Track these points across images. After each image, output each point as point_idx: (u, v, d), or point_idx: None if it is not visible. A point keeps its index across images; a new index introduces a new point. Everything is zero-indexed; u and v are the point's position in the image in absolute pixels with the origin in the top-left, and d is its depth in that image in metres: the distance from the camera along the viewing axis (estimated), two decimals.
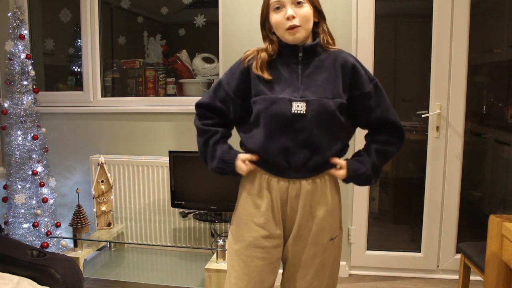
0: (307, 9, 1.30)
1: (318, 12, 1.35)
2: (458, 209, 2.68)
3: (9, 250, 1.80)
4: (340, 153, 1.42)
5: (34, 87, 2.75)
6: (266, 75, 1.33)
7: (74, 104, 3.07)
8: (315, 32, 1.37)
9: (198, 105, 1.47)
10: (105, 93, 3.15)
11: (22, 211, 2.68)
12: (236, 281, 1.40)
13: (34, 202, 2.71)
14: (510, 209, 2.92)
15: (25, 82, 2.69)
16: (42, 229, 2.72)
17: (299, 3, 1.29)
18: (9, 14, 2.70)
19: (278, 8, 1.30)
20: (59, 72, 3.41)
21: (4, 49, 2.71)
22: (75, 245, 2.40)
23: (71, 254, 2.33)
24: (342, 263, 2.78)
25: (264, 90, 1.34)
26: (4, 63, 2.78)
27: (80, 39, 3.07)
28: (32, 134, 2.70)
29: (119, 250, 2.82)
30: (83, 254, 2.38)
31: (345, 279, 2.75)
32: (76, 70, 3.33)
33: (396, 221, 3.18)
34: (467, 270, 2.14)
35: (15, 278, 1.69)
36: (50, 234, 2.73)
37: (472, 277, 2.18)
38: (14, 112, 2.68)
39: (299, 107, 1.29)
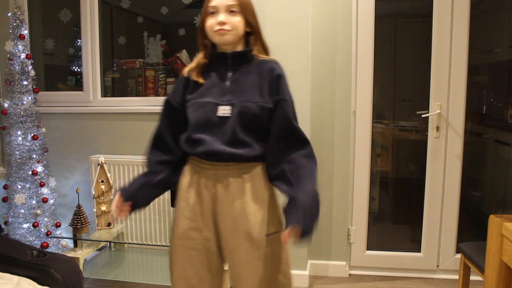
0: (237, 19, 1.38)
1: (250, 25, 1.43)
2: (458, 209, 2.68)
3: (9, 250, 1.79)
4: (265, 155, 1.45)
5: (34, 87, 2.75)
6: (201, 80, 1.44)
7: (74, 104, 3.07)
8: (248, 41, 1.46)
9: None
10: (105, 93, 3.14)
11: (22, 211, 2.68)
12: (173, 270, 1.50)
13: (34, 202, 2.70)
14: (510, 209, 2.92)
15: (25, 82, 2.69)
16: (42, 229, 2.72)
17: (232, 11, 1.37)
18: (9, 14, 2.70)
19: (213, 13, 1.39)
20: (59, 72, 3.41)
21: (4, 49, 2.71)
22: (75, 245, 2.40)
23: (71, 254, 2.33)
24: (342, 263, 2.78)
25: (195, 95, 1.43)
26: (4, 63, 2.78)
27: (80, 39, 3.07)
28: (32, 134, 2.70)
29: (119, 250, 2.82)
30: (83, 254, 2.38)
31: (345, 279, 2.75)
32: (76, 70, 3.33)
33: (396, 221, 3.18)
34: (467, 270, 2.14)
35: (15, 278, 1.69)
36: (50, 234, 2.73)
37: (472, 277, 2.18)
38: (14, 112, 2.68)
39: (224, 110, 1.38)
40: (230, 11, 1.37)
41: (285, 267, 1.48)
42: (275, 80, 1.42)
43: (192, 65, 1.48)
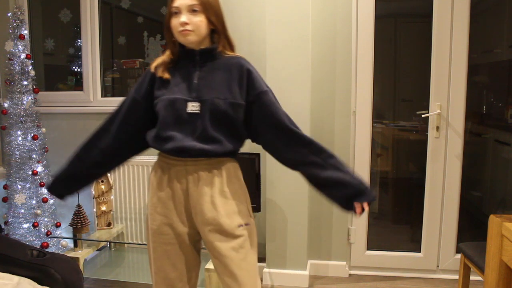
0: (199, 19, 1.40)
1: (213, 23, 1.43)
2: (458, 209, 2.68)
3: (9, 250, 1.79)
4: (236, 149, 1.49)
5: (34, 87, 2.75)
6: (166, 76, 1.45)
7: (74, 104, 3.07)
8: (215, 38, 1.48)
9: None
10: (105, 93, 3.15)
11: (22, 211, 2.68)
12: (151, 266, 1.53)
13: (34, 202, 2.71)
14: (510, 209, 2.92)
15: (25, 82, 2.69)
16: (42, 229, 2.72)
17: (194, 10, 1.39)
18: (9, 14, 2.70)
19: (176, 13, 1.41)
20: (59, 72, 3.41)
21: (4, 49, 2.71)
22: (75, 245, 2.41)
23: (71, 254, 2.34)
24: (342, 263, 2.78)
25: (164, 91, 1.45)
26: (4, 63, 2.78)
27: (80, 39, 3.07)
28: (32, 134, 2.70)
29: (119, 250, 2.82)
30: (83, 254, 2.38)
31: (345, 279, 2.75)
32: (76, 70, 3.33)
33: (396, 221, 3.18)
34: (467, 270, 2.14)
35: (15, 278, 1.69)
36: (50, 234, 2.73)
37: (472, 277, 2.18)
38: (14, 112, 2.68)
39: (194, 107, 1.40)
40: (192, 10, 1.39)
41: (254, 260, 1.51)
42: (245, 76, 1.44)
43: (159, 60, 1.49)
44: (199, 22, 1.39)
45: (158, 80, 1.47)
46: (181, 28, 1.39)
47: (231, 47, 1.50)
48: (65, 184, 1.61)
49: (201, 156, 1.42)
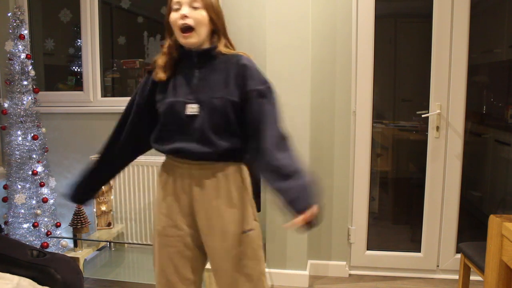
0: (201, 14, 1.37)
1: (213, 22, 1.41)
2: (458, 209, 2.68)
3: (9, 250, 1.79)
4: (237, 150, 1.42)
5: (34, 87, 2.75)
6: (163, 79, 1.43)
7: (74, 104, 3.07)
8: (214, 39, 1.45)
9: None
10: (105, 93, 3.15)
11: (22, 211, 2.68)
12: (155, 267, 1.53)
13: (34, 202, 2.70)
14: (510, 209, 2.92)
15: (25, 82, 2.69)
16: (42, 229, 2.72)
17: (195, 7, 1.37)
18: (9, 14, 2.70)
19: (177, 9, 1.38)
20: (59, 72, 3.41)
21: (4, 49, 2.71)
22: (75, 245, 2.41)
23: (71, 254, 2.34)
24: (342, 263, 2.78)
25: (165, 94, 1.44)
26: (4, 63, 2.78)
27: (80, 39, 3.07)
28: (32, 134, 2.70)
29: (119, 250, 2.82)
30: (83, 254, 2.38)
31: (345, 279, 2.75)
32: (76, 70, 3.33)
33: (396, 221, 3.19)
34: (467, 270, 2.14)
35: (15, 278, 1.69)
36: (50, 234, 2.73)
37: (472, 277, 2.18)
38: (14, 112, 2.68)
39: (192, 109, 1.39)
40: (193, 7, 1.36)
41: (258, 266, 1.49)
42: (241, 71, 1.39)
43: (159, 62, 1.46)
44: (201, 16, 1.36)
45: (159, 83, 1.45)
46: (181, 22, 1.35)
47: (232, 47, 1.48)
48: (83, 189, 1.62)
49: (202, 159, 1.40)
